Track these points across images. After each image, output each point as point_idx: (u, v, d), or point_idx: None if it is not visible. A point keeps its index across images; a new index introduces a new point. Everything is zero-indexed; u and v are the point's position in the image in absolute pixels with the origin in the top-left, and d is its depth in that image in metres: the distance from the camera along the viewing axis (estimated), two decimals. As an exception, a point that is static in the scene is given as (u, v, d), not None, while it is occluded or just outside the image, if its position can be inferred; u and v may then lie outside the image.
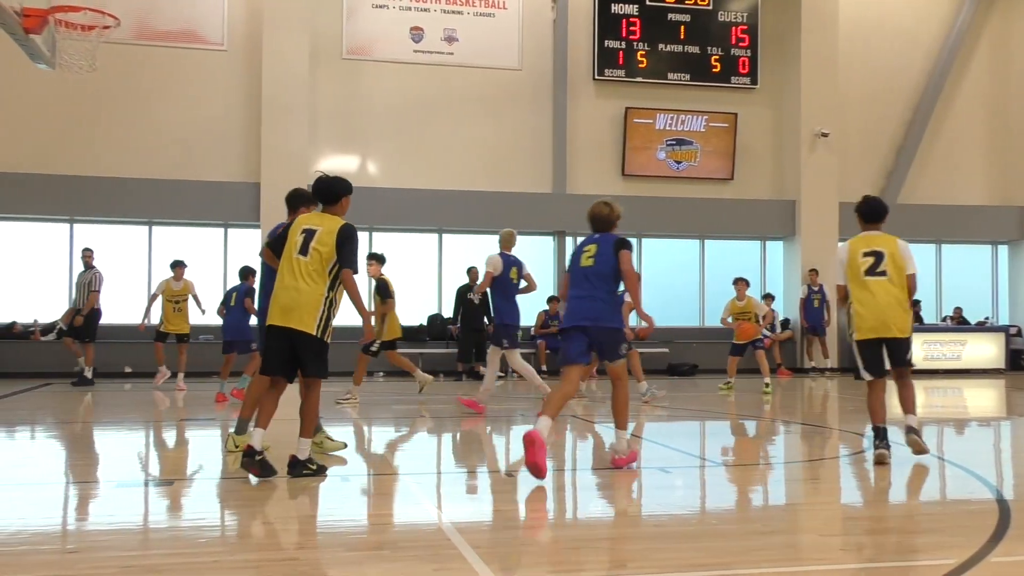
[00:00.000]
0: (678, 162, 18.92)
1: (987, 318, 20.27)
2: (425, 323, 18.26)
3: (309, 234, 6.19)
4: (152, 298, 14.32)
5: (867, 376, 7.13)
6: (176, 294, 13.96)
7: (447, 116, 18.37)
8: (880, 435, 7.03)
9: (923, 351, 18.51)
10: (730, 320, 13.91)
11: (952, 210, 19.99)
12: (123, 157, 16.97)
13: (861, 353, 7.12)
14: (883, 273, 6.87)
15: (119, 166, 16.89)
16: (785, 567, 4.21)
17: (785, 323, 18.76)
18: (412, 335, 17.95)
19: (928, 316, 19.97)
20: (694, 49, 19.06)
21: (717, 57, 19.13)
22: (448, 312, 17.95)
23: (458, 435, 9.49)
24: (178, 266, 14.09)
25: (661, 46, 18.93)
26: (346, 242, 6.15)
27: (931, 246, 20.46)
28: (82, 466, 7.47)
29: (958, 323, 19.65)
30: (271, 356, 6.30)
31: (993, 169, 20.40)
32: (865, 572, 4.11)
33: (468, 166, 18.36)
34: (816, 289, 18.35)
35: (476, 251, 18.77)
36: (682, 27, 19.02)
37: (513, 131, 18.62)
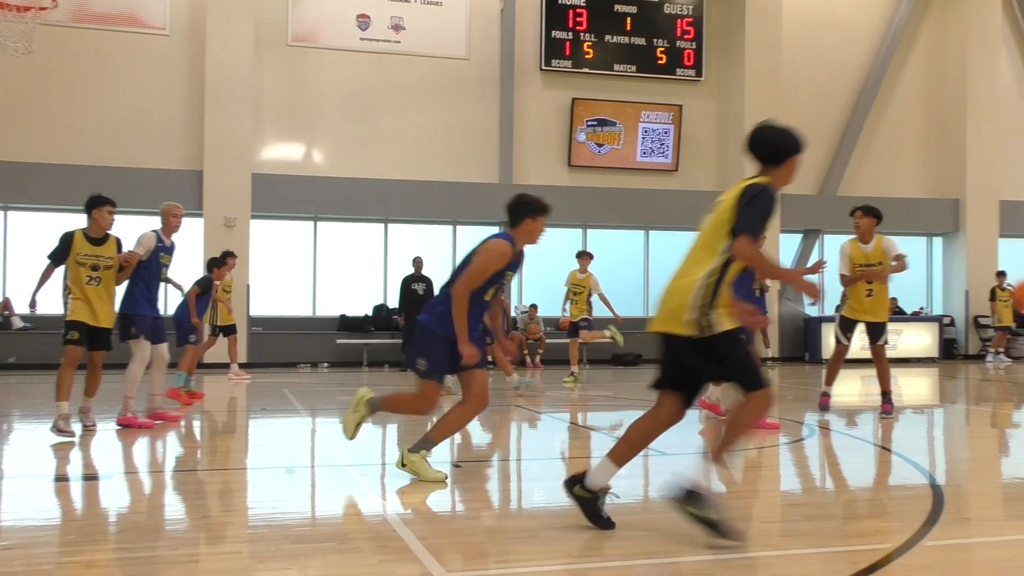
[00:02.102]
0: (599, 145, 18.96)
1: (922, 308, 20.76)
2: (371, 313, 18.17)
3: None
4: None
5: None
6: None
7: (394, 105, 18.26)
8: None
9: (860, 340, 18.85)
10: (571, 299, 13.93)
11: (890, 202, 20.36)
12: (61, 143, 16.59)
13: None
14: None
15: (57, 152, 16.51)
16: (726, 554, 4.27)
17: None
18: (357, 325, 17.86)
19: (866, 306, 20.37)
20: (640, 41, 19.18)
21: (663, 49, 19.27)
22: (393, 303, 17.88)
23: (405, 425, 9.46)
24: None
25: (608, 37, 19.02)
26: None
27: (870, 238, 20.87)
28: (10, 460, 7.30)
29: (894, 313, 20.07)
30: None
31: (929, 163, 20.87)
32: (805, 557, 4.18)
33: (415, 156, 18.28)
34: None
35: (422, 241, 18.76)
36: (628, 19, 19.12)
37: (460, 121, 18.57)
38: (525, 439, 8.80)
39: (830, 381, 9.63)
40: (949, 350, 19.59)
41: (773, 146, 4.69)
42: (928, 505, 5.13)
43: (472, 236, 16.70)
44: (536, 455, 7.77)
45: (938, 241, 21.22)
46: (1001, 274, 19.23)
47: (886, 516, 4.93)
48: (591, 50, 18.96)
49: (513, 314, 18.41)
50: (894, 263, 9.10)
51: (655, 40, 19.27)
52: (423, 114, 18.41)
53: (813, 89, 20.10)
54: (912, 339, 19.12)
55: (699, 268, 4.32)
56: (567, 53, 18.85)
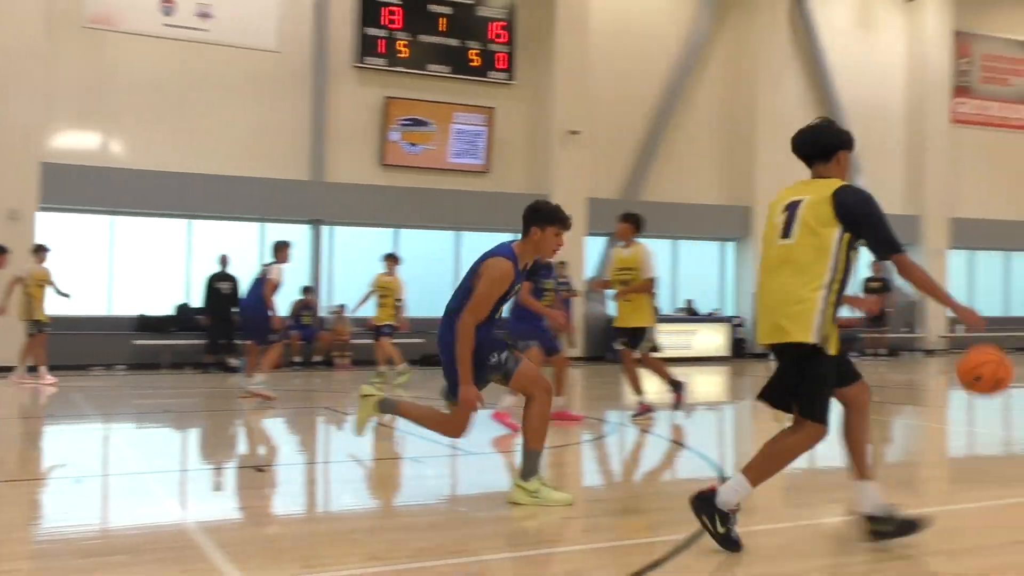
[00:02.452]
0: (412, 144, 19.00)
1: (715, 310, 21.96)
2: (173, 313, 17.39)
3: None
4: None
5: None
6: None
7: (199, 96, 17.54)
8: None
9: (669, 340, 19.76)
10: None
11: (687, 208, 21.47)
12: None
13: None
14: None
15: None
16: (529, 550, 4.38)
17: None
18: (157, 325, 17.07)
19: (664, 307, 21.36)
20: (454, 42, 19.30)
21: (476, 51, 19.47)
22: (197, 302, 17.16)
23: (206, 430, 9.12)
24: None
25: (422, 37, 19.02)
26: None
27: (668, 242, 21.90)
28: None
29: (690, 314, 21.15)
30: None
31: (723, 171, 22.08)
32: (604, 551, 4.35)
33: (221, 149, 17.63)
34: (563, 281, 19.08)
35: (228, 238, 18.13)
36: (442, 19, 19.20)
37: (270, 115, 18.07)
38: (333, 441, 8.69)
39: (637, 389, 9.47)
40: (739, 349, 20.82)
41: (822, 143, 4.76)
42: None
43: (280, 234, 16.26)
44: (342, 457, 7.69)
45: (730, 246, 22.49)
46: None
47: (679, 509, 5.18)
48: (405, 49, 18.91)
49: (322, 313, 18.11)
50: (638, 285, 9.12)
51: (468, 42, 19.45)
52: (231, 107, 17.80)
53: (619, 96, 20.85)
54: (706, 339, 20.19)
55: (816, 278, 4.20)
56: (381, 51, 18.71)
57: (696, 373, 17.46)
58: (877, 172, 23.44)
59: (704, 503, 4.24)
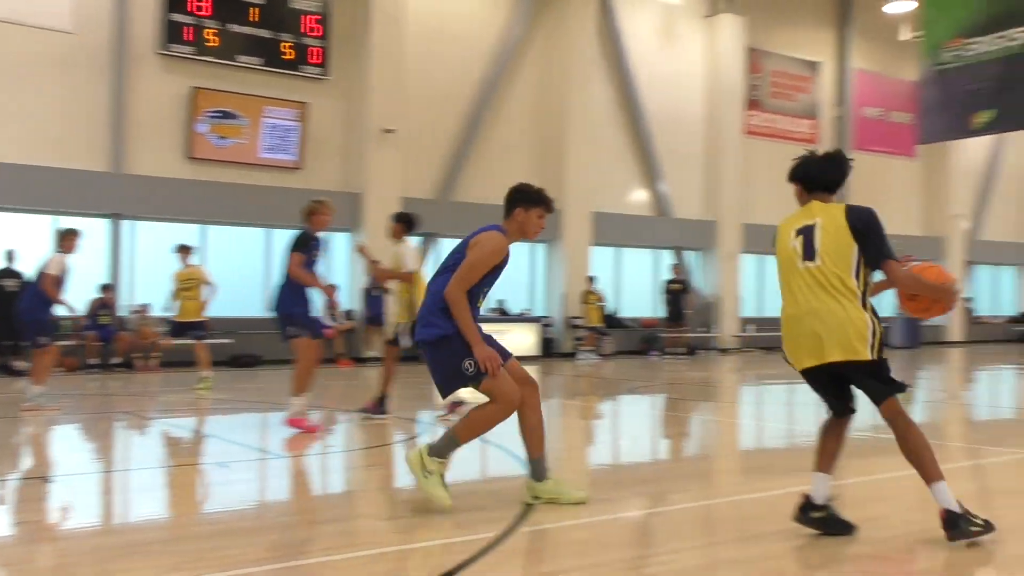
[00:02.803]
0: (221, 137, 18.40)
1: (526, 310, 22.43)
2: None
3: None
4: None
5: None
6: None
7: (-18, 77, 16.28)
8: None
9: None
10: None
11: (500, 209, 21.73)
12: None
13: None
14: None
15: None
16: (342, 554, 4.34)
17: (348, 314, 19.21)
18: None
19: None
20: (266, 33, 18.78)
21: (289, 44, 19.03)
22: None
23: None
24: None
25: (232, 27, 18.40)
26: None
27: (483, 242, 22.16)
28: None
29: (502, 314, 21.51)
30: None
31: (535, 175, 22.51)
32: (418, 551, 4.37)
33: (8, 136, 16.40)
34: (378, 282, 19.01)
35: (17, 232, 16.89)
36: (254, 9, 18.64)
37: (64, 101, 16.97)
38: (132, 447, 8.29)
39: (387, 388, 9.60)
40: (548, 349, 21.35)
41: (836, 180, 4.87)
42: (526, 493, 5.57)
43: (75, 226, 15.31)
44: (142, 464, 7.35)
45: (541, 247, 23.03)
46: (591, 279, 21.40)
47: (489, 506, 5.28)
48: (214, 38, 18.22)
49: (122, 313, 17.21)
50: (394, 273, 9.48)
51: (281, 34, 18.97)
52: (20, 90, 16.59)
53: (434, 96, 20.92)
54: (517, 338, 20.57)
55: (852, 297, 4.45)
56: (188, 39, 17.95)
57: (508, 372, 17.77)
58: (678, 178, 24.65)
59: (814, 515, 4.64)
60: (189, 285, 13.23)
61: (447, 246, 21.55)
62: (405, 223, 9.73)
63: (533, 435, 5.33)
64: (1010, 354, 23.55)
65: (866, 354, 4.40)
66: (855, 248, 4.47)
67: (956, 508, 4.34)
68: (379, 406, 9.46)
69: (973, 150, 30.38)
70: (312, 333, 8.47)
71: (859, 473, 6.49)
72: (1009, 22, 20.58)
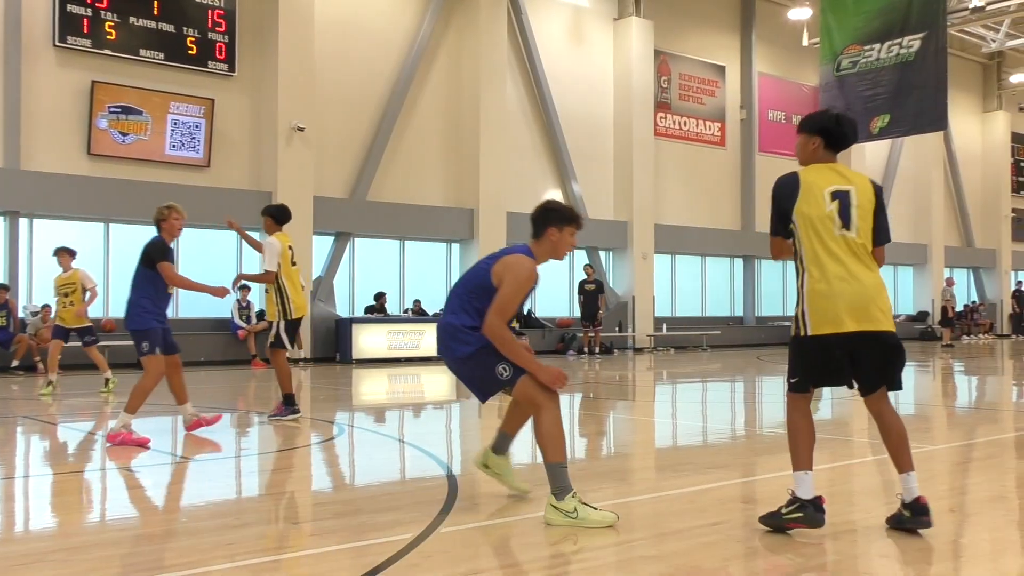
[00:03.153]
0: (124, 134, 17.87)
1: (441, 310, 22.37)
2: None
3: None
4: None
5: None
6: None
7: None
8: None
9: (387, 340, 19.89)
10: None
11: (414, 209, 21.71)
12: None
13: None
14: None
15: None
16: (257, 558, 4.25)
17: (260, 314, 18.86)
18: None
19: (392, 308, 21.48)
20: (169, 27, 18.31)
21: (193, 39, 18.59)
22: None
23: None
24: None
25: (132, 19, 17.88)
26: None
27: (396, 242, 22.05)
28: None
29: (418, 314, 21.40)
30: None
31: (449, 174, 22.53)
32: (334, 554, 4.30)
33: None
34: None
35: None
36: (156, 3, 18.15)
37: (-46, 94, 16.26)
38: (33, 452, 7.97)
39: (289, 387, 9.39)
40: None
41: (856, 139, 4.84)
42: (444, 494, 5.55)
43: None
44: (45, 470, 7.07)
45: (456, 247, 23.00)
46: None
47: (407, 507, 5.24)
48: (113, 31, 17.67)
49: (21, 315, 16.55)
50: (254, 275, 9.59)
51: (185, 29, 18.52)
52: (-95, 82, 15.84)
53: (345, 95, 20.69)
54: (433, 339, 20.41)
55: (878, 272, 4.56)
56: (85, 31, 17.37)
57: (424, 372, 17.71)
58: (591, 179, 24.91)
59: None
60: (68, 290, 12.47)
61: (360, 245, 21.44)
62: (273, 216, 9.54)
63: (518, 419, 5.37)
64: (911, 352, 24.44)
65: (892, 326, 4.58)
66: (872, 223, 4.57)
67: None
68: (287, 408, 9.30)
69: (872, 155, 31.50)
70: (164, 349, 8.03)
71: (775, 469, 6.65)
72: (902, 31, 21.39)
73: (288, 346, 9.49)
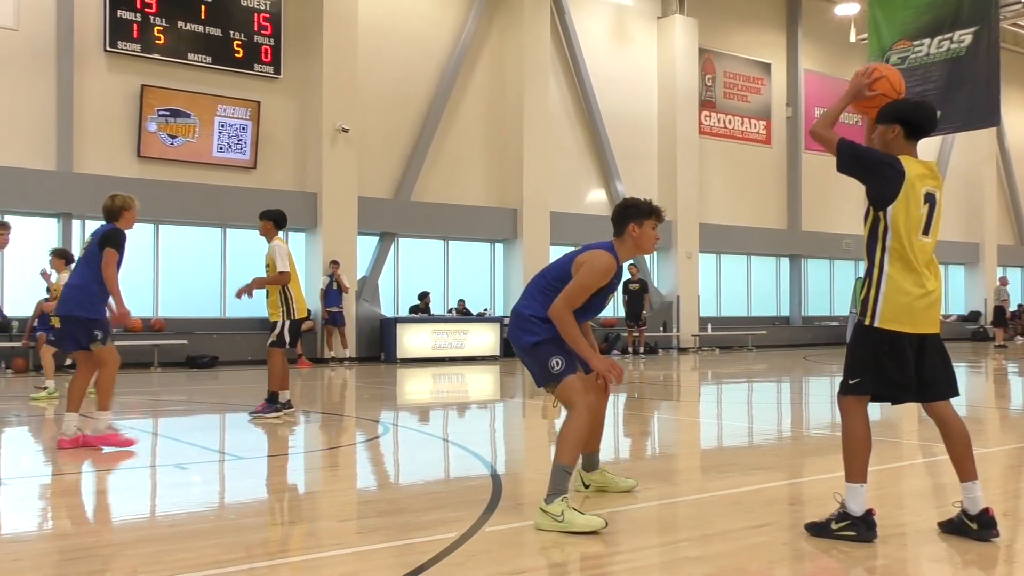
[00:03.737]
0: (172, 136, 18.14)
1: (486, 309, 22.40)
2: None
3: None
4: None
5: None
6: None
7: (-76, 74, 15.89)
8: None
9: (432, 340, 19.96)
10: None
11: (458, 209, 21.77)
12: None
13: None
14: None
15: None
16: (303, 556, 4.28)
17: (308, 314, 19.00)
18: None
19: (436, 307, 21.56)
20: (216, 31, 18.56)
21: (240, 43, 18.82)
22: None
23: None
24: None
25: (181, 24, 18.16)
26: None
27: (440, 242, 22.13)
28: None
29: (461, 314, 21.46)
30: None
31: (492, 174, 22.56)
32: (378, 552, 4.32)
33: (-50, 134, 16.05)
34: (335, 280, 18.88)
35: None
36: (203, 7, 18.42)
37: (8, 98, 16.63)
38: (86, 449, 8.11)
39: (277, 385, 9.46)
40: (509, 348, 21.35)
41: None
42: (488, 493, 5.55)
43: (24, 227, 15.01)
44: (98, 467, 7.19)
45: (500, 247, 23.02)
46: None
47: (451, 506, 5.25)
48: (162, 35, 17.96)
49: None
50: (268, 279, 9.50)
51: (232, 32, 18.76)
52: (-38, 88, 16.23)
53: (388, 96, 20.82)
54: (477, 338, 20.56)
55: (940, 275, 4.49)
56: (135, 36, 17.67)
57: (468, 372, 17.75)
58: (634, 178, 24.79)
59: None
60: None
61: (404, 245, 21.54)
62: (274, 221, 9.68)
63: (592, 434, 5.42)
64: (962, 352, 24.01)
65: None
66: None
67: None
68: (271, 404, 9.35)
69: (922, 151, 30.90)
70: (111, 338, 7.62)
71: (822, 471, 6.57)
72: (952, 25, 20.98)
73: (288, 346, 9.61)
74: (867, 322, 4.38)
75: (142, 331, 17.37)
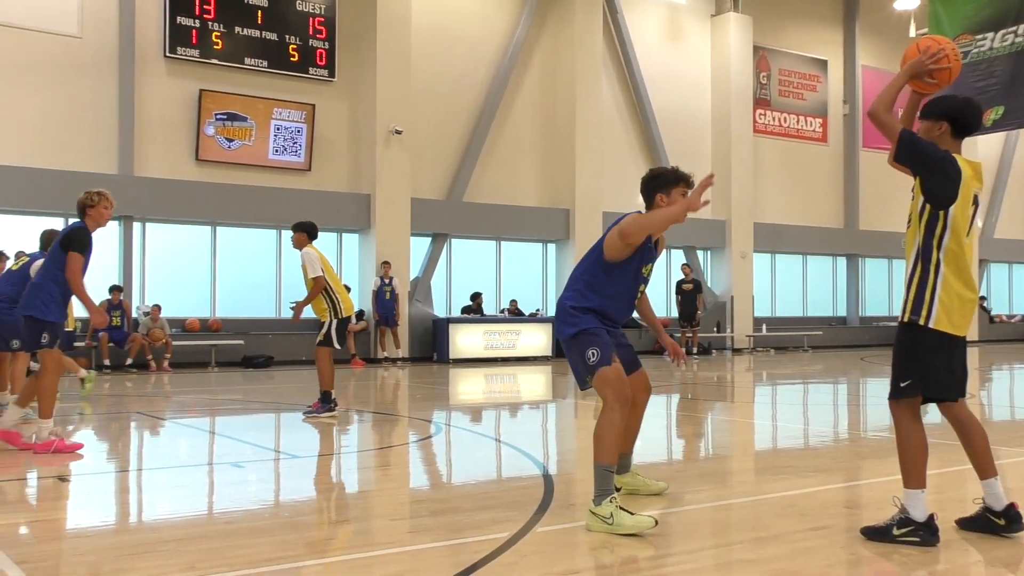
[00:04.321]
0: (229, 140, 18.41)
1: (538, 310, 22.40)
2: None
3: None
4: None
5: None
6: None
7: (-7, 82, 16.35)
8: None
9: (484, 340, 20.02)
10: None
11: (510, 210, 21.80)
12: None
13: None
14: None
15: None
16: (356, 554, 4.32)
17: (360, 314, 19.21)
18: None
19: (488, 308, 21.61)
20: (272, 36, 18.82)
21: (295, 47, 19.06)
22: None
23: None
24: None
25: (238, 29, 18.44)
26: None
27: (492, 242, 22.18)
28: None
29: (514, 314, 21.49)
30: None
31: (544, 174, 22.55)
32: (430, 551, 4.34)
33: (19, 139, 16.48)
34: (388, 281, 19.03)
35: (30, 234, 16.94)
36: (259, 12, 18.69)
37: (73, 104, 17.04)
38: (147, 447, 8.29)
39: (329, 385, 9.58)
40: (560, 349, 21.31)
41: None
42: (540, 494, 5.55)
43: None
44: (156, 464, 7.34)
45: (552, 247, 23.00)
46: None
47: (503, 506, 5.26)
48: (220, 41, 18.27)
49: (135, 315, 17.24)
50: (309, 295, 9.64)
51: (287, 37, 19.01)
52: (28, 93, 16.66)
53: (441, 98, 20.92)
54: (529, 339, 20.56)
55: None
56: (194, 42, 18.00)
57: (520, 372, 17.76)
58: (688, 178, 24.55)
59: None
60: None
61: (456, 246, 21.61)
62: (307, 232, 9.91)
63: (628, 433, 5.28)
64: None
65: None
66: None
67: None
68: (323, 405, 9.49)
69: (984, 148, 30.25)
70: (63, 344, 7.37)
71: (879, 474, 6.46)
72: (1016, 19, 20.47)
73: (336, 345, 9.72)
74: (921, 322, 4.30)
75: (199, 331, 17.71)
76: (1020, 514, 4.36)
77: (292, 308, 10.11)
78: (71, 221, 7.48)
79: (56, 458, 6.92)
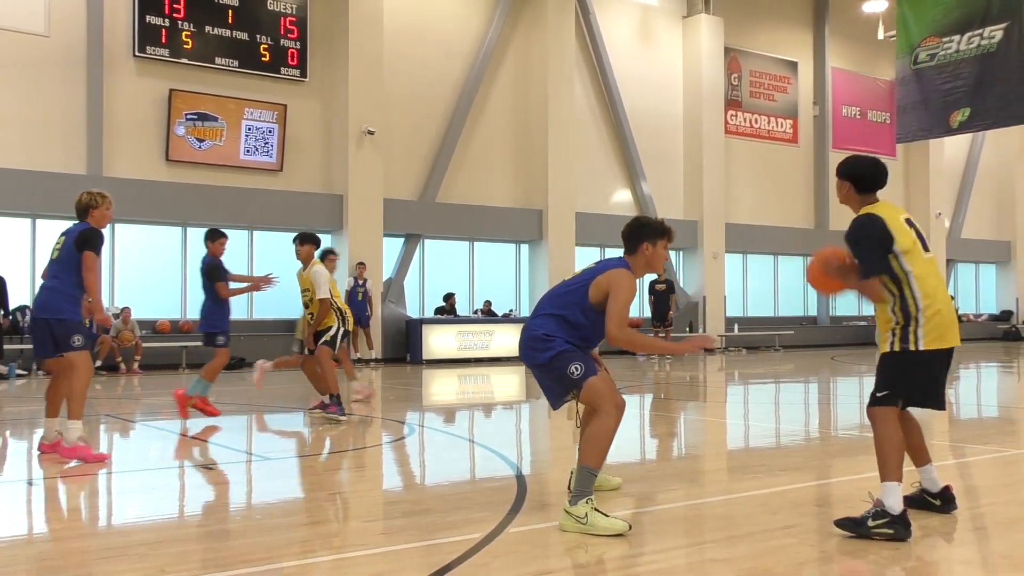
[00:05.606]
0: (200, 140, 18.27)
1: (511, 310, 22.40)
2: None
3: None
4: None
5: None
6: None
7: (-43, 80, 16.12)
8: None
9: (457, 341, 20.00)
10: None
11: (483, 210, 21.79)
12: None
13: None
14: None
15: None
16: (328, 556, 4.30)
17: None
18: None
19: (462, 308, 21.59)
20: (243, 36, 18.69)
21: (266, 46, 18.95)
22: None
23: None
24: None
25: (208, 28, 18.31)
26: None
27: (465, 243, 22.16)
28: None
29: (487, 315, 21.48)
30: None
31: (517, 175, 22.57)
32: (403, 552, 4.33)
33: (-17, 139, 16.26)
34: (362, 283, 18.96)
35: (-7, 235, 16.75)
36: (230, 11, 18.56)
37: (40, 104, 16.84)
38: (117, 450, 8.20)
39: (340, 383, 9.76)
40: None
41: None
42: (513, 494, 5.55)
43: (55, 230, 15.17)
44: (127, 467, 7.26)
45: (525, 248, 23.02)
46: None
47: (476, 507, 5.25)
48: (190, 40, 18.12)
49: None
50: (319, 314, 9.53)
51: (259, 36, 18.89)
52: (-5, 93, 16.45)
53: (413, 99, 20.88)
54: (503, 339, 20.55)
55: None
56: (163, 41, 17.84)
57: (494, 373, 17.75)
58: (660, 179, 24.71)
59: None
60: None
61: (430, 246, 21.58)
62: (316, 244, 9.82)
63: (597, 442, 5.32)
64: (993, 351, 23.72)
65: None
66: None
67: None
68: (339, 406, 9.49)
69: (951, 149, 30.64)
70: (90, 345, 7.33)
71: (849, 472, 6.52)
72: (983, 21, 20.74)
73: (335, 350, 9.68)
74: (911, 348, 4.56)
75: (170, 333, 17.56)
76: (954, 496, 4.89)
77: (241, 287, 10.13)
78: (72, 224, 7.30)
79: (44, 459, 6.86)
